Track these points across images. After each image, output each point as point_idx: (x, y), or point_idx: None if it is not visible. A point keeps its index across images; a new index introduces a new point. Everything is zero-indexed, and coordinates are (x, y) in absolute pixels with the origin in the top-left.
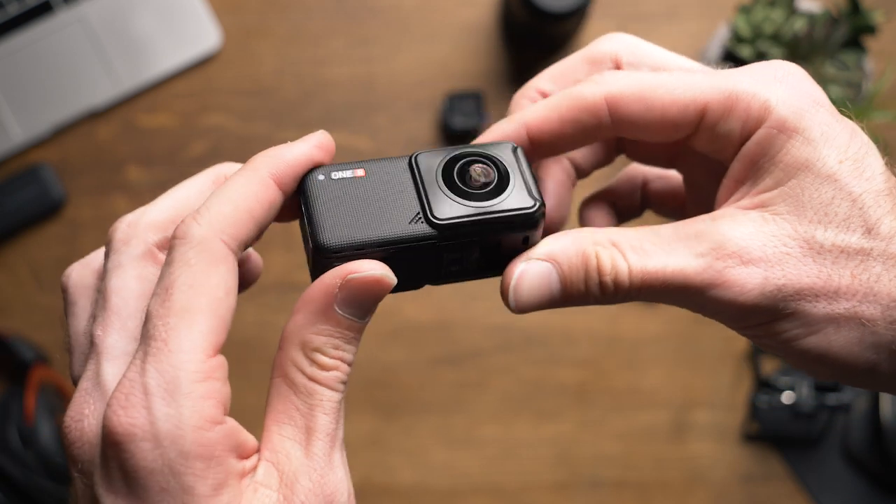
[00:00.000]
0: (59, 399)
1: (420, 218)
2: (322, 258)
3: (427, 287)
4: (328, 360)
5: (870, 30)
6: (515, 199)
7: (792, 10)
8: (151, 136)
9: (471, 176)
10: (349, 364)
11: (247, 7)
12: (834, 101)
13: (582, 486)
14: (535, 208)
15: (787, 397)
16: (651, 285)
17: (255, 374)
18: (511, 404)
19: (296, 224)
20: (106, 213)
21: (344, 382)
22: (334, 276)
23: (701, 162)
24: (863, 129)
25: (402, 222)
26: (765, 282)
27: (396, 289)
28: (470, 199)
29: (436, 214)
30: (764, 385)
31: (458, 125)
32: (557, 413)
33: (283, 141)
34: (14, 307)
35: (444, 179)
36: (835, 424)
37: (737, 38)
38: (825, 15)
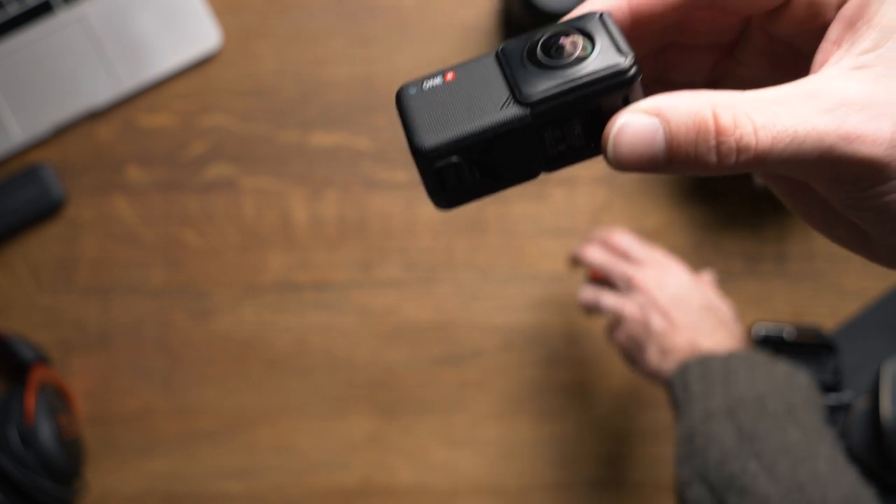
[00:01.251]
0: (59, 399)
1: (510, 101)
2: (423, 162)
3: (427, 286)
4: None
5: None
6: (604, 59)
7: None
8: (151, 136)
9: (556, 49)
10: None
11: (247, 7)
12: None
13: (582, 486)
14: (626, 63)
15: None
16: (780, 148)
17: (255, 374)
18: (511, 404)
19: (294, 224)
20: (106, 213)
21: None
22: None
23: (761, 50)
24: None
25: (494, 110)
26: (893, 135)
27: (511, 182)
28: (558, 71)
29: (525, 93)
30: None
31: None
32: (557, 413)
33: (284, 141)
34: (14, 307)
35: (530, 60)
36: (835, 424)
37: None
38: None
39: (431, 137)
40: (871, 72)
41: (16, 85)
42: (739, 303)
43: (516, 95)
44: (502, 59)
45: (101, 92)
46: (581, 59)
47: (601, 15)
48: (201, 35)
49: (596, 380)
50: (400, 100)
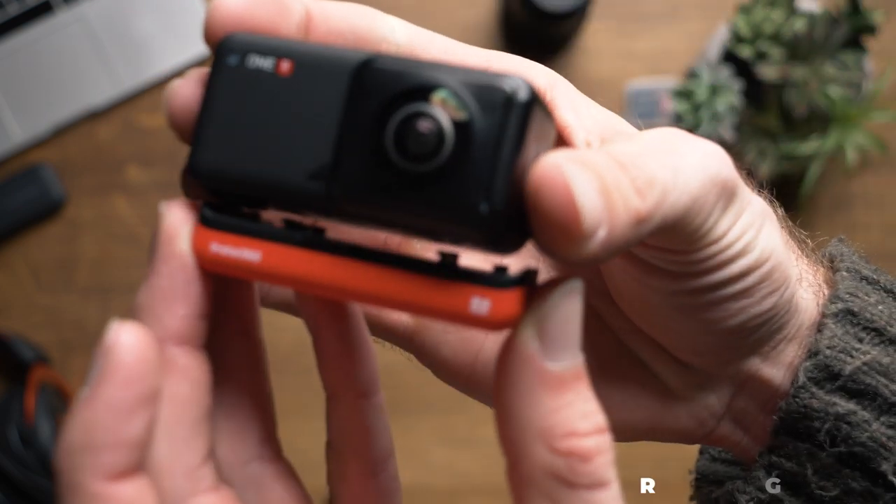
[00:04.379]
0: (59, 399)
1: (324, 175)
2: (192, 179)
3: None
4: (587, 441)
5: (870, 30)
6: (456, 187)
7: (792, 10)
8: (151, 136)
9: (413, 137)
10: (606, 430)
11: None
12: (834, 102)
13: None
14: (485, 210)
15: None
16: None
17: None
18: None
19: None
20: (106, 213)
21: (613, 465)
22: (526, 327)
23: None
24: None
25: (302, 170)
26: None
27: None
28: (396, 174)
29: (341, 183)
30: None
31: None
32: None
33: None
34: (14, 307)
35: (377, 129)
36: None
37: (737, 38)
38: (825, 15)
39: (213, 158)
40: None
41: (16, 85)
42: None
43: (332, 175)
44: (356, 92)
45: (101, 92)
46: (438, 172)
47: (529, 93)
48: (201, 35)
49: None
50: (214, 70)
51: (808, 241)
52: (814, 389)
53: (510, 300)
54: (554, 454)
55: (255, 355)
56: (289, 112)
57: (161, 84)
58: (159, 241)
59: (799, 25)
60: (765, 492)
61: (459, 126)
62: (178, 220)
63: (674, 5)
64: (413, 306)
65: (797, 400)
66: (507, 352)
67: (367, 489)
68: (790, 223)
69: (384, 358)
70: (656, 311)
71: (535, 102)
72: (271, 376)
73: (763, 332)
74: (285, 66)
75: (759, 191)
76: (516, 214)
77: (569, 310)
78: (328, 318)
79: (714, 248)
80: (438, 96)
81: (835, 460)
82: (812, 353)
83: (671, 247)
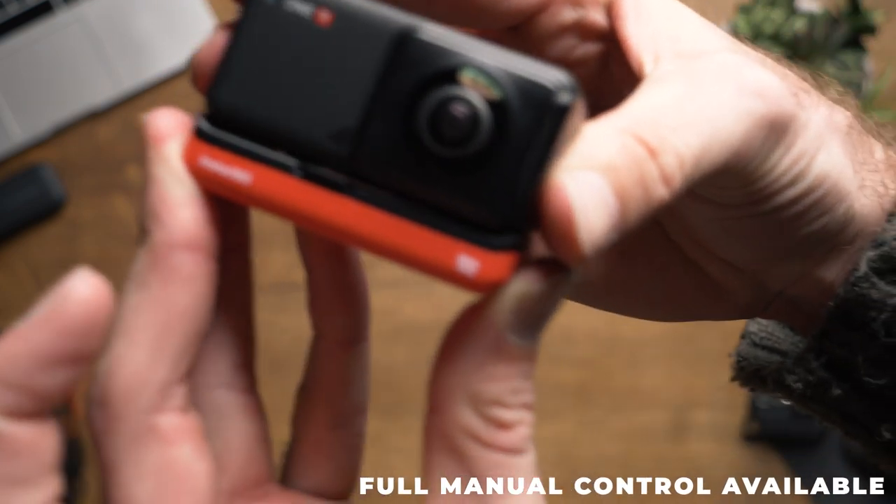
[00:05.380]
0: None
1: (349, 138)
2: (211, 108)
3: (427, 286)
4: (511, 413)
5: (870, 30)
6: (485, 179)
7: (792, 10)
8: None
9: (444, 121)
10: (531, 409)
11: None
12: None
13: (581, 486)
14: (504, 212)
15: None
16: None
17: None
18: None
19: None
20: (106, 212)
21: (531, 438)
22: (507, 297)
23: None
24: None
25: (325, 127)
26: None
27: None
28: (425, 153)
29: (366, 149)
30: None
31: None
32: (557, 413)
33: None
34: (14, 307)
35: (411, 105)
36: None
37: (737, 38)
38: (825, 15)
39: (236, 95)
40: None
41: (16, 85)
42: None
43: (358, 136)
44: (395, 57)
45: (101, 92)
46: (466, 163)
47: (568, 93)
48: (201, 35)
49: (596, 380)
50: (249, 4)
51: (887, 128)
52: (874, 279)
53: (500, 265)
54: (477, 417)
55: (243, 274)
56: (320, 65)
57: (161, 84)
58: (148, 146)
59: (799, 25)
60: (813, 374)
61: (496, 110)
62: (167, 126)
63: None
64: (393, 253)
65: (856, 289)
66: (475, 310)
67: (329, 439)
68: (863, 118)
69: (385, 358)
70: (702, 227)
71: (576, 102)
72: (268, 376)
73: (816, 244)
74: (324, 16)
75: (827, 95)
76: (535, 211)
77: (554, 301)
78: (324, 255)
79: (759, 184)
80: (469, 76)
81: (887, 351)
82: (877, 244)
83: (711, 184)
